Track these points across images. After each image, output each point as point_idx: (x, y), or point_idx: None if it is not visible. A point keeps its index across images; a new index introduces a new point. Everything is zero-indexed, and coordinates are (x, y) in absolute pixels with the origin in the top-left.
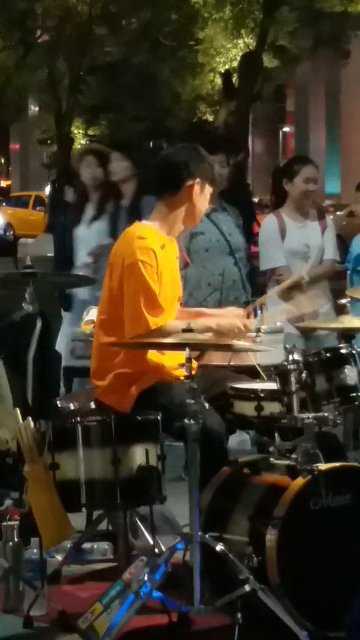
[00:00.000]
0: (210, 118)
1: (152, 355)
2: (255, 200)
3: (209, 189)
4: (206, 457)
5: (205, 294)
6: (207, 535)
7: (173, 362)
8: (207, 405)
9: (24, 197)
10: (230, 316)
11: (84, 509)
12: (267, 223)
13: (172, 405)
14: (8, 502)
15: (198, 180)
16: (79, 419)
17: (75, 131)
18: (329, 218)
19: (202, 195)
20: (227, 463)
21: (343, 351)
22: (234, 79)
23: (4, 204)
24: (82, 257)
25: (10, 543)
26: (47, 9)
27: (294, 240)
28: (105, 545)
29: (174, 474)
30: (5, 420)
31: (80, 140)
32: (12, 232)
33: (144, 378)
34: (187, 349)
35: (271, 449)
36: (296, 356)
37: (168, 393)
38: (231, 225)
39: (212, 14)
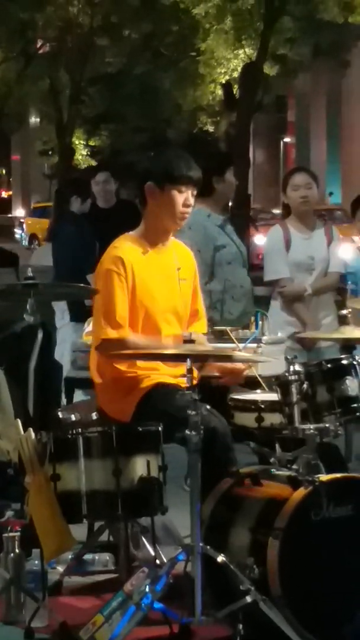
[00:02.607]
0: (211, 129)
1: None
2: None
3: (178, 190)
4: (210, 460)
5: (229, 307)
6: (208, 547)
7: (171, 368)
8: (207, 406)
9: (48, 207)
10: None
11: (85, 520)
12: (273, 233)
13: (173, 412)
14: (9, 514)
15: (150, 183)
16: (80, 430)
17: (77, 142)
18: (335, 230)
19: (163, 195)
20: (230, 473)
21: (344, 362)
22: (235, 89)
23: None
24: None
25: (12, 554)
26: (48, 20)
27: (299, 251)
28: (106, 556)
29: (176, 484)
30: (6, 431)
31: (81, 151)
32: (37, 243)
33: (142, 383)
34: (188, 359)
35: (272, 459)
36: (297, 367)
37: (168, 399)
38: (236, 235)
39: (213, 25)
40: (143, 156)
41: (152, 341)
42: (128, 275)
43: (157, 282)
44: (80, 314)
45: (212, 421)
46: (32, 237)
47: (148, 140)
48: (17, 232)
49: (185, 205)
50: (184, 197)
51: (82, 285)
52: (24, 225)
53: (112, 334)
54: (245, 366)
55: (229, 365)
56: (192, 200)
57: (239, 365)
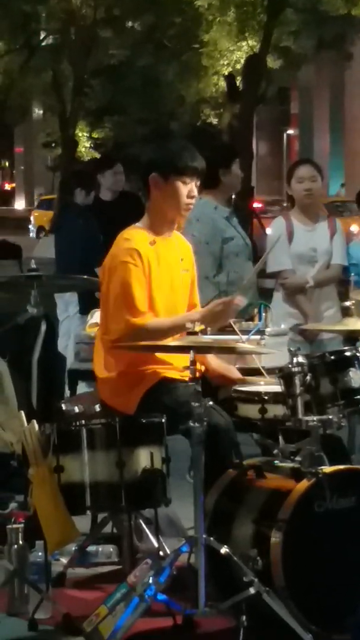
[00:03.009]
0: (214, 121)
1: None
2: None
3: (182, 181)
4: (214, 455)
5: None
6: (211, 538)
7: (177, 360)
8: (211, 402)
9: (54, 200)
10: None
11: (88, 512)
12: (276, 225)
13: (177, 405)
14: (13, 505)
15: (154, 174)
16: (83, 421)
17: (80, 134)
18: (339, 222)
19: (167, 186)
20: (234, 465)
21: (347, 354)
22: (238, 81)
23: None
24: None
25: (15, 546)
26: (51, 12)
27: (302, 243)
28: (110, 548)
29: (179, 476)
30: (10, 423)
31: (84, 143)
32: (44, 234)
33: (147, 377)
34: (191, 351)
35: (275, 451)
36: (300, 359)
37: (172, 393)
38: (241, 228)
39: (216, 17)
40: (146, 148)
41: (175, 319)
42: (145, 267)
43: (164, 274)
44: (88, 306)
45: (214, 417)
46: (40, 229)
47: (151, 132)
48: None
49: (190, 196)
50: (189, 188)
51: (85, 277)
52: (32, 218)
53: (137, 321)
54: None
55: (228, 376)
56: (196, 192)
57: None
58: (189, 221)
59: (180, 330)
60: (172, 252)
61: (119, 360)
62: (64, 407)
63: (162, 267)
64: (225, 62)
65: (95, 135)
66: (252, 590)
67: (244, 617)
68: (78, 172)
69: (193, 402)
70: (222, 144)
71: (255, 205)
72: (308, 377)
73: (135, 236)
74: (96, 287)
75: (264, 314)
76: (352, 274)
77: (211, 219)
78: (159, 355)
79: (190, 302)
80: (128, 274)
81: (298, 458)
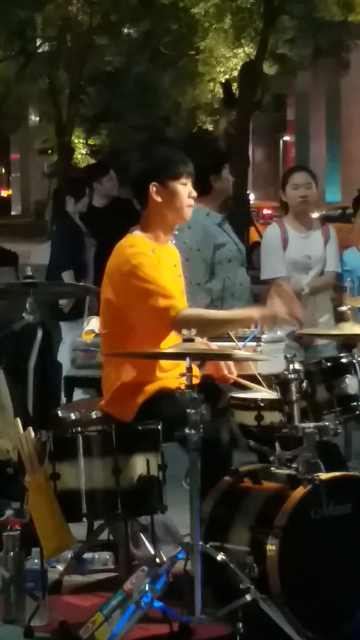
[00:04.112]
0: (210, 127)
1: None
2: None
3: (180, 183)
4: (209, 467)
5: (229, 305)
6: (208, 545)
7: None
8: (209, 414)
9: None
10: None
11: (84, 519)
12: (270, 232)
13: (175, 415)
14: (9, 512)
15: (153, 183)
16: (79, 428)
17: (76, 141)
18: (332, 229)
19: (168, 192)
20: (230, 472)
21: (343, 360)
22: (234, 88)
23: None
24: None
25: (11, 553)
26: (47, 19)
27: (296, 250)
28: (106, 555)
29: (175, 483)
30: (6, 430)
31: (80, 150)
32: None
33: (147, 387)
34: (187, 358)
35: (272, 458)
36: (297, 365)
37: (170, 403)
38: (234, 234)
39: (212, 24)
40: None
41: (232, 312)
42: (156, 262)
43: (165, 280)
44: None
45: (213, 431)
46: None
47: (147, 139)
48: None
49: (190, 196)
50: (187, 189)
51: (82, 284)
52: None
53: (176, 307)
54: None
55: (223, 369)
56: (194, 192)
57: (230, 372)
58: (180, 229)
59: (236, 326)
60: (168, 259)
61: (122, 371)
62: (60, 414)
63: (163, 274)
64: (222, 69)
65: (91, 142)
66: (248, 597)
67: (240, 624)
68: (68, 179)
69: (189, 409)
70: (212, 149)
71: (266, 212)
72: (304, 384)
73: (138, 242)
74: (93, 293)
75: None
76: (348, 280)
77: (203, 225)
78: (160, 363)
79: None
80: (148, 270)
81: (294, 465)
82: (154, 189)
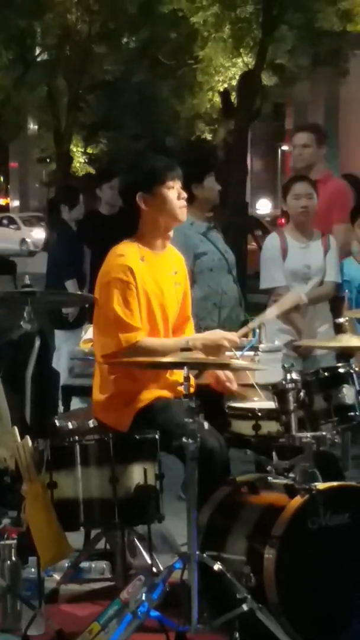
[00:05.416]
0: (209, 136)
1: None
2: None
3: (166, 187)
4: (206, 477)
5: (211, 314)
6: (205, 555)
7: (173, 378)
8: (206, 424)
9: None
10: (214, 335)
11: (81, 528)
12: (270, 241)
13: (171, 424)
14: (6, 521)
15: (139, 194)
16: (77, 437)
17: (75, 149)
18: (332, 239)
19: (156, 198)
20: (227, 482)
21: (341, 370)
22: (233, 97)
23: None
24: None
25: (8, 562)
26: (46, 27)
27: (295, 260)
28: (103, 564)
29: (172, 492)
30: (3, 439)
31: (79, 159)
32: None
33: (142, 396)
34: (185, 367)
35: (269, 468)
36: (294, 375)
37: (167, 411)
38: (223, 242)
39: (211, 33)
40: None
41: (174, 341)
42: (138, 283)
43: (155, 288)
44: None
45: (209, 442)
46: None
47: (146, 147)
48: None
49: (180, 197)
50: (176, 192)
51: (79, 293)
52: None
53: (132, 338)
54: (233, 387)
55: (222, 377)
56: (184, 193)
57: (230, 381)
58: None
59: (176, 352)
60: (164, 266)
61: (115, 381)
62: (57, 422)
63: (154, 282)
64: (220, 79)
65: (90, 150)
66: (245, 607)
67: (237, 634)
68: (63, 188)
69: (186, 418)
70: (194, 158)
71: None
72: (302, 394)
73: (127, 251)
74: (90, 302)
75: (257, 330)
76: (346, 291)
77: (184, 234)
78: (154, 374)
79: (183, 314)
80: (121, 290)
81: (292, 474)
82: (141, 199)
